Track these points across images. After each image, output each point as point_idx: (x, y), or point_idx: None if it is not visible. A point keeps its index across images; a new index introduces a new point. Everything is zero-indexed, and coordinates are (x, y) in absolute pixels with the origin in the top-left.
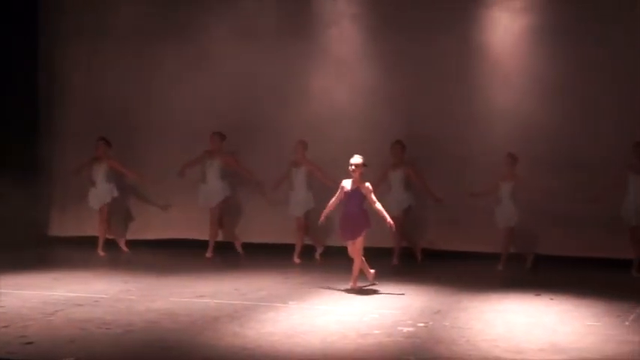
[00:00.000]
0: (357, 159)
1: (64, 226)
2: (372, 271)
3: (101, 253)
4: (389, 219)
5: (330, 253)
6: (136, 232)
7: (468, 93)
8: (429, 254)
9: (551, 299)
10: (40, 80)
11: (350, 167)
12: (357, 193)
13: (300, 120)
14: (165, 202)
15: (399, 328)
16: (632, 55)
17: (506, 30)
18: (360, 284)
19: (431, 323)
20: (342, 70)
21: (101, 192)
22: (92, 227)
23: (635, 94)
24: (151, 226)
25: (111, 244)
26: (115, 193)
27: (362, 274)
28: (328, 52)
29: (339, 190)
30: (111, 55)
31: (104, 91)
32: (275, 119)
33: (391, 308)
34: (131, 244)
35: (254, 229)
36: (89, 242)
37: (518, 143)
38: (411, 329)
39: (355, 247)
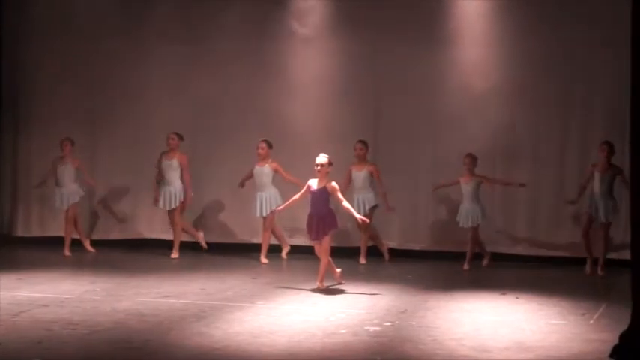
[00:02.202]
0: (322, 158)
1: (29, 226)
2: (339, 270)
3: (67, 253)
4: (358, 216)
5: (297, 252)
6: (101, 232)
7: (434, 92)
8: (395, 253)
9: (517, 298)
10: (3, 79)
11: (316, 167)
12: (323, 192)
13: (263, 120)
14: (133, 200)
15: (366, 327)
16: (595, 53)
17: (470, 30)
18: (326, 283)
19: (397, 322)
20: (307, 70)
21: (69, 192)
22: (57, 227)
23: (600, 93)
24: (117, 225)
25: (76, 244)
26: (82, 193)
27: (329, 274)
28: (294, 52)
29: (304, 189)
30: (77, 52)
31: (70, 90)
32: (239, 120)
33: (358, 307)
34: (96, 244)
35: (220, 229)
36: (54, 242)
37: (486, 143)
38: (377, 328)
39: (322, 247)
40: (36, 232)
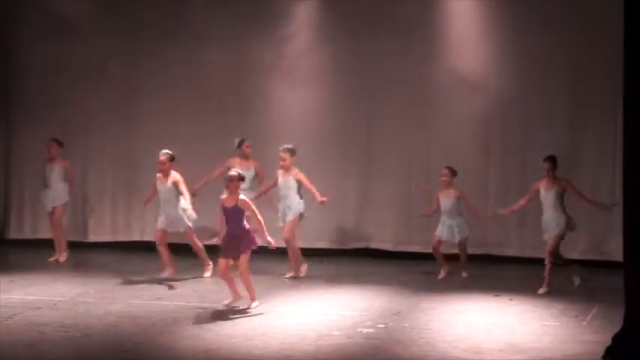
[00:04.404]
0: (233, 172)
1: (21, 228)
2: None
3: (60, 257)
4: (269, 239)
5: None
6: (94, 234)
7: (427, 97)
8: (389, 255)
9: (510, 300)
10: None
11: (226, 181)
12: (236, 210)
13: (255, 120)
14: (125, 202)
15: (359, 329)
16: (592, 53)
17: (465, 34)
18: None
19: (391, 324)
20: (296, 74)
21: (54, 193)
22: (49, 230)
23: (593, 94)
24: (108, 228)
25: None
26: (68, 196)
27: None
28: (283, 55)
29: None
30: (69, 53)
31: (62, 92)
32: (228, 121)
33: (351, 309)
34: (89, 246)
35: (212, 232)
36: (47, 245)
37: (480, 144)
38: (370, 330)
39: (241, 267)
40: (28, 234)
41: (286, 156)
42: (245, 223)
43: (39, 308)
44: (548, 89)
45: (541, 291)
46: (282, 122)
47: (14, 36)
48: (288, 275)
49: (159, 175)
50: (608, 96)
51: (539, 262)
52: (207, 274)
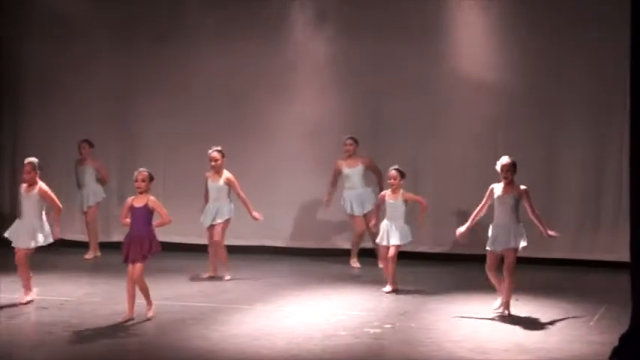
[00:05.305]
0: (144, 172)
1: None
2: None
3: (97, 254)
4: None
5: (297, 254)
6: (101, 235)
7: (433, 97)
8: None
9: (517, 300)
10: (3, 79)
11: (135, 182)
12: (146, 210)
13: (257, 120)
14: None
15: (366, 329)
16: (595, 52)
17: (472, 33)
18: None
19: (397, 324)
20: (296, 75)
21: (88, 193)
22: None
23: (595, 93)
24: (117, 228)
25: (79, 247)
26: (104, 195)
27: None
28: (283, 56)
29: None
30: (76, 53)
31: (70, 92)
32: (231, 121)
33: (358, 309)
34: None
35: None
36: (53, 245)
37: (484, 149)
38: (377, 330)
39: (137, 272)
40: None
41: (219, 156)
42: (152, 225)
43: (45, 308)
44: (555, 89)
45: (506, 313)
46: (282, 123)
47: (14, 36)
48: (228, 277)
49: (23, 185)
50: (616, 96)
51: (546, 262)
52: (28, 298)
